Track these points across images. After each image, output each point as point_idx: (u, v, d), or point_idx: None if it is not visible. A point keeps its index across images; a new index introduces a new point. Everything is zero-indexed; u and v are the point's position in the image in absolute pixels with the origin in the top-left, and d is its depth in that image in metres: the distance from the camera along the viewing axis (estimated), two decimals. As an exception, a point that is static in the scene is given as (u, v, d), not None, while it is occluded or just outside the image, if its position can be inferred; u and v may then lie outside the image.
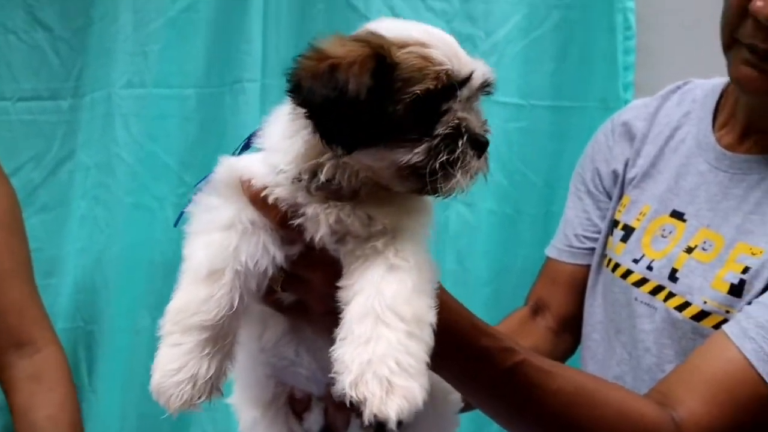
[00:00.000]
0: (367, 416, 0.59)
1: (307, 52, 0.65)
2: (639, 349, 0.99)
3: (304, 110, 0.64)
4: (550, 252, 1.17)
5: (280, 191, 0.67)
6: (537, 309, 1.17)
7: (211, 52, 1.46)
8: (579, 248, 1.13)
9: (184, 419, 1.54)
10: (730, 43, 0.92)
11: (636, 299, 1.00)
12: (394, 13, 1.46)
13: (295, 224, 0.66)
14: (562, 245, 1.15)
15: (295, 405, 0.83)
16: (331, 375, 0.64)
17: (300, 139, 0.66)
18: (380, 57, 0.63)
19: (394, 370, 0.60)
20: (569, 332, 1.14)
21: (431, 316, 0.63)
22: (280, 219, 0.67)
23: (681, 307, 0.93)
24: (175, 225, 0.73)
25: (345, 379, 0.60)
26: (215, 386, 0.66)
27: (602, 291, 1.08)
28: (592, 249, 1.11)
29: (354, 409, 0.76)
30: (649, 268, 0.98)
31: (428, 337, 0.63)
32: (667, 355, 0.95)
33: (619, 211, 1.07)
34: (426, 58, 0.64)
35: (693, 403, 0.82)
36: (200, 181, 0.71)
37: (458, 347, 0.73)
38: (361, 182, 0.67)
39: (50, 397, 1.16)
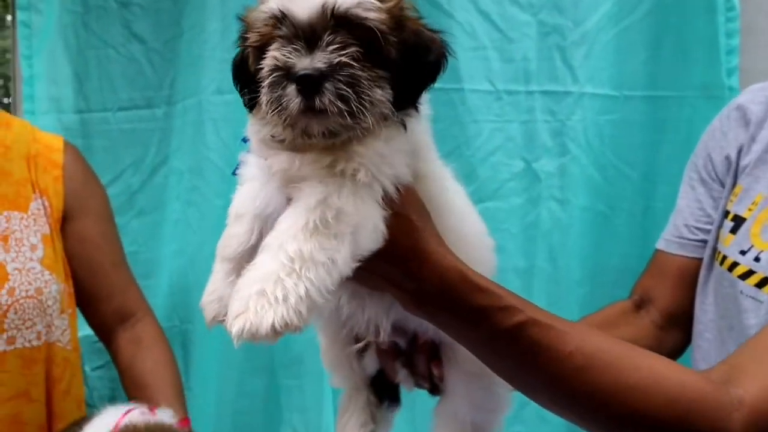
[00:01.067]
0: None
1: None
2: None
3: None
4: (660, 244, 1.14)
5: (257, 149, 0.78)
6: (641, 302, 1.14)
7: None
8: (690, 239, 1.09)
9: (275, 418, 1.61)
10: None
11: (742, 292, 0.96)
12: (477, 8, 1.48)
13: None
14: (672, 236, 1.12)
15: (356, 343, 0.92)
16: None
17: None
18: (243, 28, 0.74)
19: (254, 294, 0.65)
20: (677, 328, 1.11)
21: (323, 257, 0.67)
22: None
23: None
24: (234, 174, 0.86)
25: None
26: None
27: (714, 287, 1.04)
28: (704, 241, 1.08)
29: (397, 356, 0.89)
30: (757, 259, 0.94)
31: (313, 276, 0.66)
32: None
33: (731, 201, 1.03)
34: (258, 13, 0.71)
35: (762, 373, 0.76)
36: (246, 140, 0.82)
37: (447, 303, 0.74)
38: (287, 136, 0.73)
39: (149, 355, 1.34)
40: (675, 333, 1.11)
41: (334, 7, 0.67)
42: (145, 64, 1.58)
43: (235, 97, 1.50)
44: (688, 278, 1.09)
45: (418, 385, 0.93)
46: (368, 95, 0.68)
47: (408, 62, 0.72)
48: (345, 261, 0.69)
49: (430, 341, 0.88)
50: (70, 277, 1.29)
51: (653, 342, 1.10)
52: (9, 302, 1.15)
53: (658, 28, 1.46)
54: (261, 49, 0.70)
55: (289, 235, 0.68)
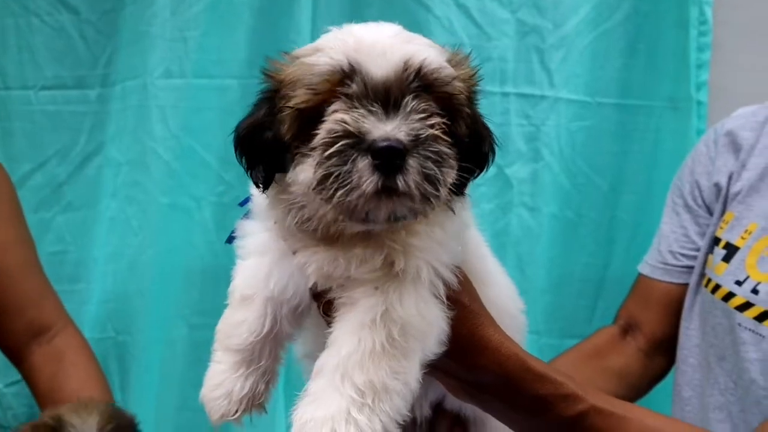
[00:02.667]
0: None
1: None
2: (745, 380, 1.00)
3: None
4: (643, 269, 1.19)
5: (278, 229, 0.70)
6: (628, 328, 1.19)
7: (255, 40, 1.44)
8: (674, 266, 1.14)
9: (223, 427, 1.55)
10: None
11: (740, 325, 1.00)
12: (456, 2, 1.46)
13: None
14: (656, 262, 1.16)
15: None
16: None
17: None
18: (269, 85, 0.65)
19: None
20: (662, 354, 1.16)
21: (397, 384, 0.61)
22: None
23: None
24: (227, 242, 0.79)
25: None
26: (253, 403, 0.75)
27: (700, 313, 1.09)
28: (689, 267, 1.12)
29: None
30: (755, 291, 0.99)
31: (389, 407, 0.61)
32: None
33: (721, 227, 1.08)
34: (305, 66, 0.62)
35: None
36: (244, 202, 0.77)
37: (508, 394, 0.74)
38: (327, 221, 0.64)
39: (74, 372, 1.22)
40: (660, 359, 1.17)
41: (420, 66, 0.59)
42: (76, 37, 1.44)
43: (185, 83, 1.44)
44: (673, 304, 1.15)
45: None
46: (449, 177, 0.60)
47: (472, 144, 0.66)
48: (416, 377, 0.64)
49: (456, 412, 0.86)
50: None
51: (641, 369, 1.16)
52: None
53: (634, 35, 1.50)
54: (313, 111, 0.60)
55: (354, 362, 0.61)
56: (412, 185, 0.58)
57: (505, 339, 0.73)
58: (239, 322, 0.72)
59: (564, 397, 0.74)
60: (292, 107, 0.62)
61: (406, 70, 0.59)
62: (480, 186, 1.51)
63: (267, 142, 0.65)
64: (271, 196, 0.68)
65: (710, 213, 1.13)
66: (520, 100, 1.49)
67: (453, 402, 0.83)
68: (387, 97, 0.59)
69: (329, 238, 0.65)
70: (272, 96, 0.65)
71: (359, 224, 0.62)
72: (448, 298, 0.67)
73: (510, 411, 0.75)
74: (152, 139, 1.43)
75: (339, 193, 0.58)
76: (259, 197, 0.72)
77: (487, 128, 0.70)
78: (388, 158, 0.57)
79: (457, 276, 0.68)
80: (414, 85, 0.59)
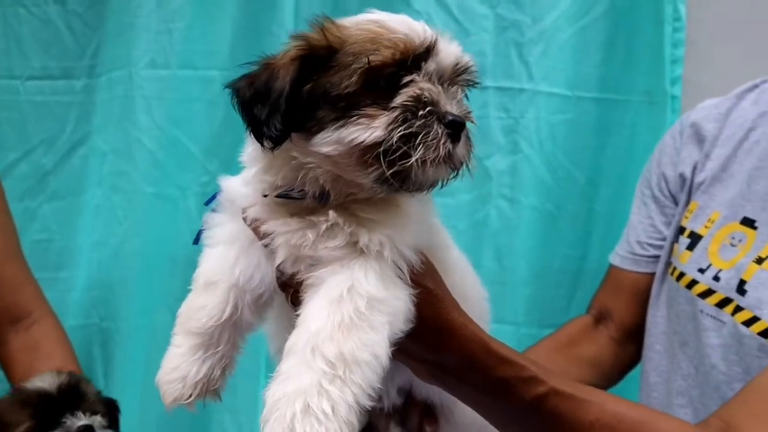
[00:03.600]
0: None
1: (258, 60, 0.71)
2: (705, 365, 1.04)
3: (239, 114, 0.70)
4: (613, 259, 1.24)
5: (253, 211, 0.72)
6: (600, 317, 1.24)
7: (238, 32, 1.49)
8: (642, 255, 1.19)
9: (204, 420, 1.60)
10: None
11: (702, 311, 1.05)
12: (437, -4, 1.52)
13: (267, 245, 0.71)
14: (625, 252, 1.22)
15: None
16: None
17: (262, 152, 0.70)
18: (313, 46, 0.67)
19: (299, 413, 0.61)
20: (633, 342, 1.21)
21: (366, 355, 0.63)
22: (261, 239, 0.72)
23: (749, 322, 0.98)
24: (194, 243, 0.82)
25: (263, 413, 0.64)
26: (208, 388, 0.77)
27: (666, 301, 1.14)
28: (656, 257, 1.18)
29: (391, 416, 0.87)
30: (716, 278, 1.04)
31: (360, 379, 0.63)
32: (736, 373, 1.00)
33: (686, 217, 1.13)
34: (381, 28, 0.67)
35: (755, 430, 0.83)
36: (210, 200, 0.80)
37: (470, 375, 0.76)
38: (325, 186, 0.69)
39: (49, 363, 1.23)
40: (631, 346, 1.22)
41: (468, 62, 0.69)
42: (63, 28, 1.49)
43: (171, 73, 1.48)
44: (642, 293, 1.20)
45: None
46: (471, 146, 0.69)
47: None
48: (386, 351, 0.65)
49: (425, 400, 0.89)
50: None
51: (613, 356, 1.21)
52: None
53: (612, 31, 1.55)
54: (388, 71, 0.65)
55: (324, 336, 0.63)
56: (461, 155, 0.67)
57: (468, 322, 0.76)
58: (200, 307, 0.75)
59: (525, 380, 0.76)
60: (369, 62, 0.65)
61: (458, 63, 0.68)
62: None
63: (298, 99, 0.66)
64: (260, 168, 0.71)
65: (676, 203, 1.17)
66: (499, 93, 1.54)
67: (421, 389, 0.87)
68: (443, 81, 0.67)
69: (306, 210, 0.69)
70: (322, 55, 0.67)
71: (389, 191, 0.67)
72: (412, 281, 0.70)
73: (474, 393, 0.78)
74: (137, 129, 1.48)
75: (421, 149, 0.63)
76: (230, 188, 0.75)
77: None
78: (457, 130, 0.65)
79: (421, 260, 0.71)
80: (460, 77, 0.69)
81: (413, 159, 0.63)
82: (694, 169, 1.14)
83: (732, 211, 1.07)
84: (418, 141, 0.63)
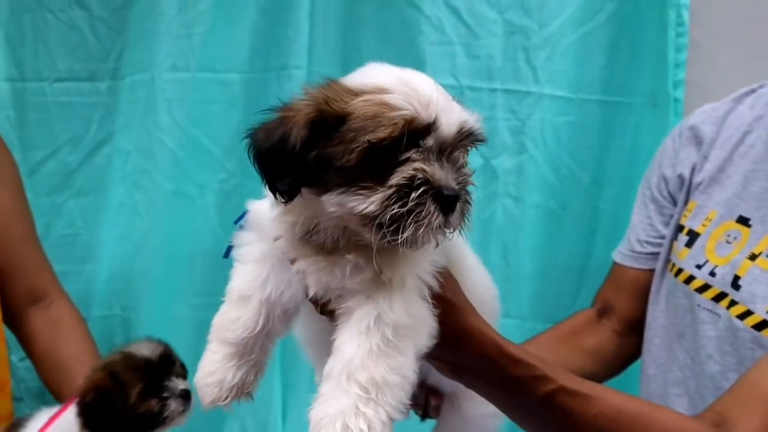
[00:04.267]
0: None
1: (276, 107, 0.75)
2: (701, 356, 1.11)
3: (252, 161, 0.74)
4: (616, 257, 1.31)
5: (281, 244, 0.79)
6: (603, 311, 1.31)
7: (257, 36, 1.57)
8: (641, 253, 1.26)
9: (221, 411, 1.68)
10: None
11: (699, 305, 1.11)
12: (446, 3, 1.58)
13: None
14: (626, 250, 1.29)
15: None
16: None
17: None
18: (321, 111, 0.70)
19: (339, 431, 0.69)
20: (634, 335, 1.28)
21: (395, 378, 0.71)
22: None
23: (743, 316, 1.04)
24: (225, 257, 0.87)
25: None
26: (242, 391, 0.84)
27: (665, 296, 1.20)
28: (655, 254, 1.24)
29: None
30: (712, 274, 1.10)
31: (391, 398, 0.71)
32: (730, 363, 1.06)
33: (685, 216, 1.19)
34: (383, 105, 0.69)
35: (750, 422, 0.90)
36: (239, 219, 0.86)
37: (485, 375, 0.83)
38: (337, 234, 0.75)
39: (69, 337, 1.38)
40: (633, 339, 1.29)
41: (472, 129, 0.72)
42: (88, 33, 1.57)
43: (191, 76, 1.56)
44: (642, 289, 1.27)
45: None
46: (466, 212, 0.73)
47: None
48: (412, 369, 0.74)
49: (436, 387, 0.98)
50: None
51: (614, 348, 1.28)
52: None
53: (616, 35, 1.62)
54: (385, 149, 0.69)
55: (356, 364, 0.71)
56: (454, 222, 0.71)
57: (485, 327, 0.83)
58: (235, 319, 0.81)
59: (536, 378, 0.83)
60: (368, 141, 0.69)
61: (461, 130, 0.72)
62: (467, 177, 1.63)
63: (307, 161, 0.71)
64: (282, 208, 0.77)
65: (674, 203, 1.24)
66: (507, 95, 1.61)
67: (434, 378, 0.96)
68: (445, 149, 0.71)
69: (327, 250, 0.76)
70: (330, 123, 0.71)
71: (388, 244, 0.72)
72: (433, 296, 0.77)
73: (490, 389, 0.86)
74: (159, 129, 1.56)
75: (412, 226, 0.69)
76: (259, 212, 0.82)
77: None
78: (449, 203, 0.70)
79: (439, 277, 0.78)
80: (463, 142, 0.73)
81: (405, 234, 0.69)
82: (693, 170, 1.21)
83: (728, 210, 1.13)
84: (410, 219, 0.69)
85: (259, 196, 0.85)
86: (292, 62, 1.59)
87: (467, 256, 0.91)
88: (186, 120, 1.56)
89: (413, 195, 0.69)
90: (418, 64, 1.57)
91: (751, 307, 1.04)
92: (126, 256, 1.61)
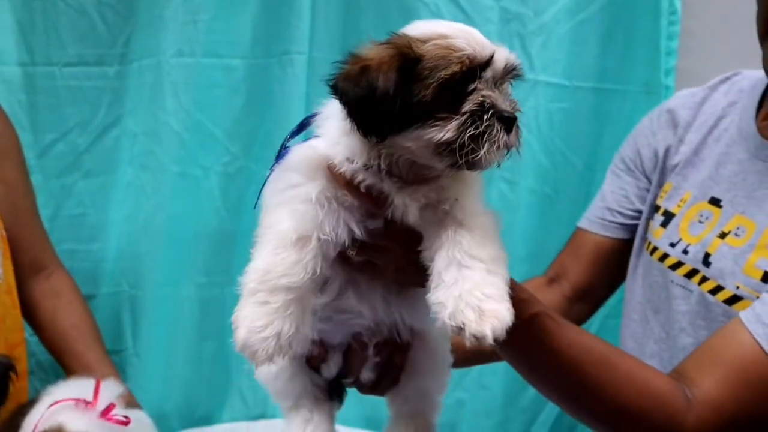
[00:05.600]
0: (467, 338, 0.79)
1: (345, 58, 0.86)
2: (675, 329, 1.20)
3: (343, 109, 0.85)
4: (581, 223, 1.41)
5: (366, 178, 0.87)
6: (555, 277, 1.42)
7: (259, 23, 1.67)
8: (611, 221, 1.36)
9: (223, 383, 1.80)
10: (765, 34, 1.12)
11: (672, 282, 1.21)
12: (445, -12, 1.69)
13: (384, 208, 0.87)
14: (594, 217, 1.39)
15: (312, 361, 1.03)
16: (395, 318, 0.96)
17: (356, 136, 0.86)
18: (404, 55, 0.82)
19: (482, 298, 0.80)
20: (584, 302, 1.39)
21: (503, 254, 0.85)
22: (372, 202, 0.87)
23: (714, 291, 1.13)
24: (255, 206, 0.92)
25: (443, 313, 0.81)
26: (293, 343, 0.83)
27: (642, 273, 1.30)
28: (623, 224, 1.35)
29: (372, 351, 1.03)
30: (685, 252, 1.20)
31: (504, 270, 0.84)
32: (702, 336, 1.14)
33: (661, 196, 1.29)
34: (449, 47, 0.82)
35: (706, 382, 0.98)
36: (276, 162, 0.92)
37: None
38: (407, 166, 0.87)
39: (71, 309, 1.49)
40: (582, 305, 1.40)
41: (515, 63, 0.87)
42: (97, 19, 1.67)
43: (195, 61, 1.68)
44: (602, 256, 1.37)
45: (365, 384, 1.06)
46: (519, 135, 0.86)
47: None
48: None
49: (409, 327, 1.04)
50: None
51: (561, 313, 1.32)
52: None
53: (610, 24, 1.72)
54: (456, 83, 0.81)
55: (474, 247, 0.83)
56: (513, 140, 0.84)
57: None
58: (294, 262, 0.82)
59: (521, 301, 0.90)
60: (442, 77, 0.81)
61: (507, 65, 0.85)
62: (463, 161, 1.74)
63: (397, 102, 0.81)
64: (367, 146, 0.86)
65: (648, 181, 1.34)
66: (502, 82, 1.71)
67: (411, 317, 1.02)
68: (497, 81, 0.85)
69: (413, 180, 0.88)
70: (411, 66, 0.82)
71: (457, 170, 0.85)
72: None
73: None
74: (165, 112, 1.67)
75: (486, 145, 0.81)
76: (311, 151, 0.88)
77: None
78: (510, 123, 0.83)
79: None
80: (509, 75, 0.86)
81: (481, 152, 0.81)
82: (667, 151, 1.30)
83: (701, 191, 1.23)
84: (483, 139, 0.81)
85: (260, 179, 0.93)
86: (293, 48, 1.70)
87: None
88: (191, 104, 1.67)
89: (485, 117, 0.81)
90: (416, 51, 1.68)
91: (721, 283, 1.13)
92: (133, 235, 1.73)
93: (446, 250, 0.84)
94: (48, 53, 1.67)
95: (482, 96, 0.82)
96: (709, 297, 1.15)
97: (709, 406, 0.97)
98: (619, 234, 1.37)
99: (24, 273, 1.47)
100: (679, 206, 1.26)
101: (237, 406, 1.83)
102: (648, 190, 1.34)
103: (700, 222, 1.21)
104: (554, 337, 0.94)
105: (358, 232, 0.87)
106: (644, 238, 1.33)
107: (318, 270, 0.84)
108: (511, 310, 0.80)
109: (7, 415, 1.35)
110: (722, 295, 1.13)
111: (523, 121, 1.63)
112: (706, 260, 1.17)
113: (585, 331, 1.01)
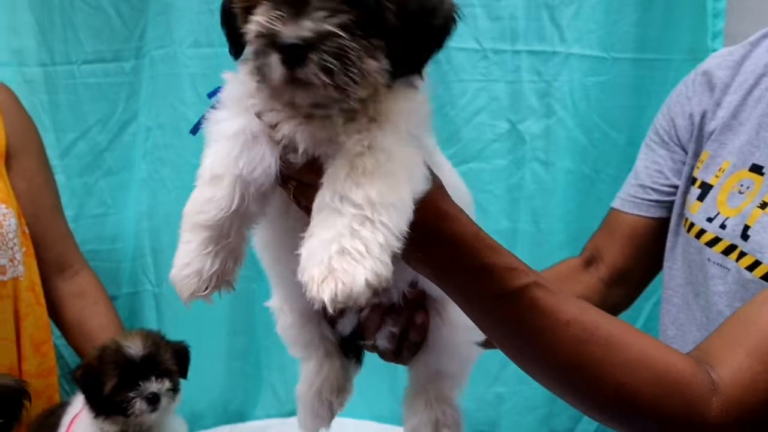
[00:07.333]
0: (309, 300, 0.70)
1: None
2: (713, 312, 1.13)
3: None
4: (615, 203, 1.35)
5: (257, 102, 0.79)
6: (591, 259, 1.35)
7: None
8: (644, 199, 1.29)
9: (254, 378, 1.82)
10: None
11: (709, 260, 1.13)
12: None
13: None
14: (627, 195, 1.32)
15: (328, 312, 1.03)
16: None
17: None
18: None
19: (335, 254, 0.69)
20: (622, 286, 1.32)
21: (392, 197, 0.71)
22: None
23: (752, 267, 1.05)
24: (192, 133, 0.91)
25: (299, 266, 0.72)
26: (222, 280, 0.82)
27: (681, 253, 1.23)
28: (658, 202, 1.28)
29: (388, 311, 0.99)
30: (723, 226, 1.12)
31: (387, 220, 0.71)
32: None
33: (697, 167, 1.21)
34: None
35: (734, 359, 0.87)
36: (213, 94, 0.89)
37: (458, 259, 0.81)
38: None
39: (97, 309, 1.54)
40: (620, 290, 1.33)
41: None
42: (112, 13, 1.71)
43: (213, 51, 1.69)
44: (638, 237, 1.30)
45: (387, 348, 1.04)
46: (358, 67, 0.71)
47: (410, 28, 0.75)
48: (410, 200, 0.73)
49: (419, 294, 0.99)
50: (21, 215, 1.45)
51: (598, 298, 1.30)
52: None
53: (649, -12, 1.66)
54: (247, 11, 0.74)
55: (350, 184, 0.72)
56: (313, 77, 0.71)
57: (462, 213, 0.84)
58: (208, 199, 0.80)
59: (510, 269, 0.82)
60: (235, 7, 0.77)
61: None
62: (493, 142, 1.71)
63: (233, 27, 0.79)
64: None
65: (685, 151, 1.26)
66: (531, 57, 1.67)
67: (424, 282, 0.96)
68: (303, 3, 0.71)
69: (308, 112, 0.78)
70: None
71: (290, 109, 0.76)
72: None
73: (457, 277, 0.84)
74: (184, 104, 1.70)
75: (262, 83, 0.74)
76: (233, 85, 0.83)
77: (443, 1, 0.79)
78: (290, 54, 0.70)
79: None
80: None
81: (269, 90, 0.74)
82: (703, 116, 1.22)
83: (741, 158, 1.15)
84: (257, 74, 0.73)
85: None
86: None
87: (437, 155, 0.92)
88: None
89: (254, 48, 0.72)
90: (438, 28, 1.66)
91: (759, 257, 1.05)
92: (154, 230, 1.76)
93: (322, 191, 0.75)
94: (66, 52, 1.72)
95: (254, 23, 0.72)
96: (747, 274, 1.07)
97: (738, 387, 0.85)
98: (654, 213, 1.30)
99: (49, 270, 1.52)
100: (716, 177, 1.19)
101: (269, 402, 1.86)
102: (684, 163, 1.27)
103: (740, 192, 1.14)
104: (550, 312, 0.84)
105: (274, 166, 0.80)
106: (681, 215, 1.26)
107: (233, 206, 0.79)
108: (377, 273, 0.69)
109: (41, 414, 1.42)
110: (760, 271, 1.05)
111: (556, 96, 1.66)
112: (745, 233, 1.09)
113: (591, 307, 0.89)
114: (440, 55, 1.62)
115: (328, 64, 0.70)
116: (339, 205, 0.72)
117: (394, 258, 0.75)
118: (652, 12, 1.67)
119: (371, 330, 1.01)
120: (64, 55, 1.72)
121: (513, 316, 0.84)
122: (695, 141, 1.24)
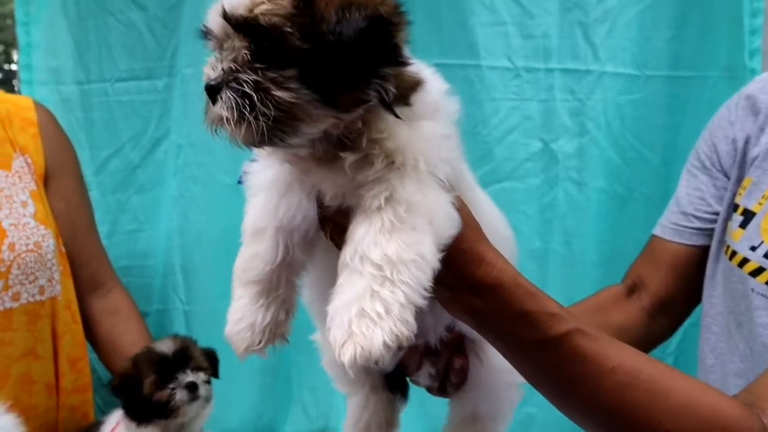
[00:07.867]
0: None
1: None
2: (758, 345, 1.12)
3: None
4: (656, 230, 1.34)
5: (288, 156, 0.80)
6: (633, 288, 1.33)
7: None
8: (685, 227, 1.28)
9: (285, 395, 1.83)
10: None
11: (753, 290, 1.12)
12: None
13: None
14: (668, 223, 1.31)
15: None
16: None
17: None
18: None
19: (354, 317, 0.70)
20: (665, 315, 1.30)
21: (411, 254, 0.71)
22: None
23: None
24: (239, 183, 0.91)
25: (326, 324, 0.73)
26: (275, 333, 0.85)
27: (722, 281, 1.22)
28: (700, 230, 1.27)
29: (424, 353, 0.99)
30: (767, 256, 1.11)
31: (408, 278, 0.70)
32: None
33: (740, 194, 1.20)
34: None
35: None
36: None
37: (496, 306, 0.80)
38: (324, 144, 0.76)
39: (129, 327, 1.57)
40: (663, 320, 1.31)
41: (226, 14, 0.73)
42: (145, 32, 1.73)
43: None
44: (682, 265, 1.28)
45: (430, 385, 1.05)
46: (270, 100, 0.70)
47: (330, 48, 0.70)
48: (432, 253, 0.73)
49: (457, 336, 1.00)
50: (59, 235, 1.48)
51: (642, 328, 1.29)
52: (11, 258, 1.34)
53: (683, 5, 1.65)
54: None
55: (367, 243, 0.72)
56: (226, 113, 0.73)
57: (500, 257, 0.82)
58: (253, 255, 0.83)
59: (550, 315, 0.81)
60: None
61: (223, 21, 0.74)
62: (526, 161, 1.70)
63: None
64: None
65: (727, 177, 1.25)
66: (564, 75, 1.67)
67: (463, 326, 0.95)
68: (219, 45, 0.76)
69: (325, 159, 0.78)
70: None
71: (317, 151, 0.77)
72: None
73: (500, 324, 0.83)
74: (215, 123, 1.71)
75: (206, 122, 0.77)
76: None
77: (360, 9, 0.71)
78: (209, 95, 0.75)
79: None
80: (230, 31, 0.74)
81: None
82: (747, 142, 1.21)
83: None
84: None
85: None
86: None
87: (478, 191, 0.92)
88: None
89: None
90: (471, 47, 1.67)
91: None
92: (185, 249, 1.78)
93: (345, 248, 0.75)
94: (101, 70, 1.75)
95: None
96: None
97: None
98: (697, 241, 1.29)
99: (83, 289, 1.55)
100: (760, 204, 1.18)
101: (299, 419, 1.86)
102: (726, 189, 1.26)
103: (785, 221, 1.13)
104: (593, 359, 0.82)
105: (311, 213, 0.80)
106: (722, 242, 1.25)
107: (278, 259, 0.81)
108: (396, 333, 0.69)
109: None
110: None
111: (589, 115, 1.65)
112: None
113: (631, 349, 0.87)
114: (472, 74, 1.68)
115: (231, 100, 0.71)
116: (359, 265, 0.72)
117: (431, 301, 0.75)
118: (686, 29, 1.66)
119: (411, 369, 1.03)
120: (99, 73, 1.76)
121: (554, 363, 0.83)
122: (738, 167, 1.23)
